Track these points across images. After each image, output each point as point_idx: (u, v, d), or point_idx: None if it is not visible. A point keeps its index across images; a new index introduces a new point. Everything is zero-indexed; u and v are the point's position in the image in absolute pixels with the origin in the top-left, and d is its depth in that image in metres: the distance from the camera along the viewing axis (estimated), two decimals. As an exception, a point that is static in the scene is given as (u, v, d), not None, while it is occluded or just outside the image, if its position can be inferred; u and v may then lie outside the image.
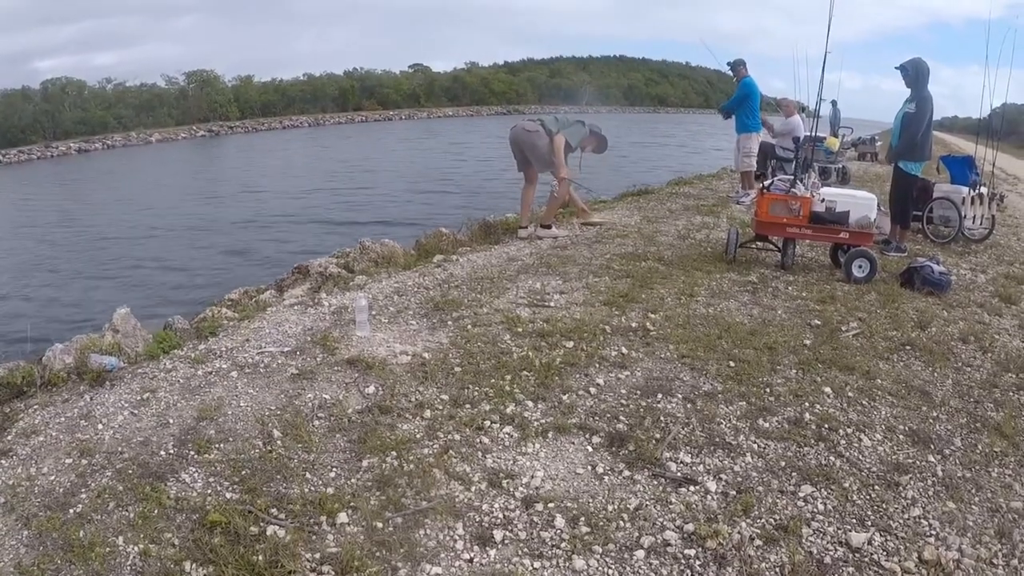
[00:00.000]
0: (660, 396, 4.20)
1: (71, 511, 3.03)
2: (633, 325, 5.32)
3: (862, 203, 6.92)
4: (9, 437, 3.66)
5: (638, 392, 4.25)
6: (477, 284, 6.32)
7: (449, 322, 5.35)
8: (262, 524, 2.95)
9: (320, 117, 74.09)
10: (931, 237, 9.44)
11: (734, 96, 11.87)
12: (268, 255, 14.23)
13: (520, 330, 5.16)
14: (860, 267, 6.85)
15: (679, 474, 3.41)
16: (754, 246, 7.45)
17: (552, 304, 5.76)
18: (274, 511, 3.04)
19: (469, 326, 5.23)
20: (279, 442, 3.60)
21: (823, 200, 6.88)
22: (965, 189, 9.44)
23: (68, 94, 65.23)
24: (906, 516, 3.19)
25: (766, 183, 7.19)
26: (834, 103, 24.26)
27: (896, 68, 8.17)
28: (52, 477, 3.28)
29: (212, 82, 77.65)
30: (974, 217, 9.48)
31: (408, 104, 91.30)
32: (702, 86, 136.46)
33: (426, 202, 19.59)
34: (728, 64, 11.97)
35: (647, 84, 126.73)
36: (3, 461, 3.43)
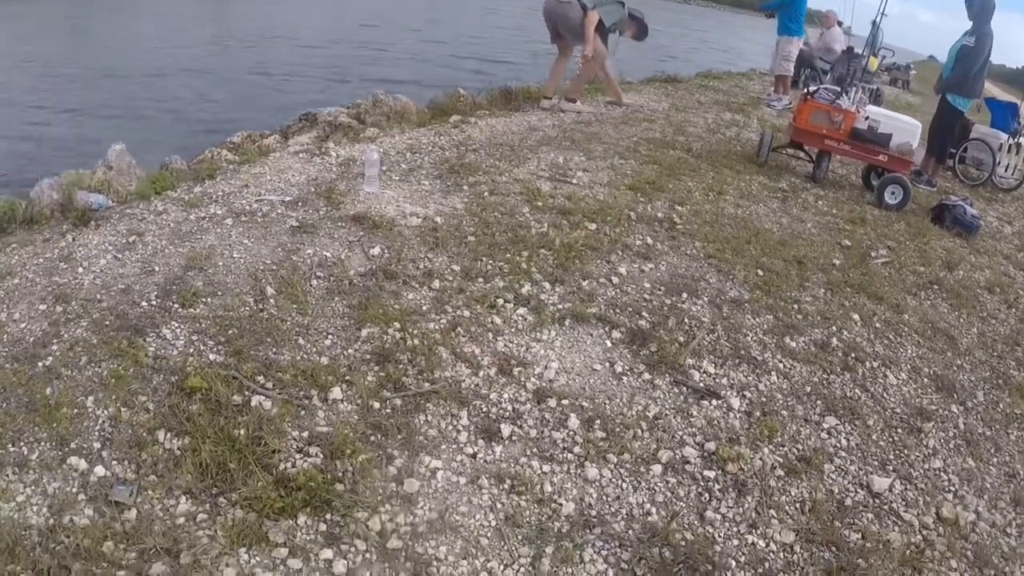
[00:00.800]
0: (685, 296, 3.95)
1: (40, 364, 2.70)
2: (659, 215, 5.02)
3: (906, 128, 6.53)
4: (-22, 279, 3.29)
5: (662, 288, 3.99)
6: (496, 150, 5.93)
7: (464, 187, 5.00)
8: (247, 393, 2.68)
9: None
10: (960, 177, 9.11)
11: (780, 1, 11.14)
12: (275, 102, 13.40)
13: (540, 204, 4.83)
14: (893, 194, 6.53)
15: (702, 385, 3.19)
16: (786, 152, 7.08)
17: (575, 181, 5.42)
18: (261, 379, 2.77)
19: (486, 193, 4.90)
20: (272, 300, 3.30)
21: (867, 118, 6.48)
22: (1004, 135, 9.04)
23: None
24: (927, 467, 3.05)
25: (811, 88, 6.75)
26: (874, 23, 23.42)
27: None
28: (23, 324, 2.93)
29: None
30: (1007, 166, 9.12)
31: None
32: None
33: (446, 64, 18.56)
34: None
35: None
36: (-29, 303, 3.08)
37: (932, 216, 6.65)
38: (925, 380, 3.70)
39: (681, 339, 3.50)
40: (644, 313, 3.68)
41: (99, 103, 12.74)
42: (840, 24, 15.74)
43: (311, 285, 3.48)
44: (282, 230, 3.99)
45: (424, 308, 3.42)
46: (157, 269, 3.43)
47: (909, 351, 3.97)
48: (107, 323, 2.97)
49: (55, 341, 2.84)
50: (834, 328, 3.96)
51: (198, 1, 31.84)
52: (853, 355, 3.72)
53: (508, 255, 4.02)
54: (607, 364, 3.23)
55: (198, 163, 5.92)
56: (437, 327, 3.28)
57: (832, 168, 7.11)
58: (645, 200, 5.27)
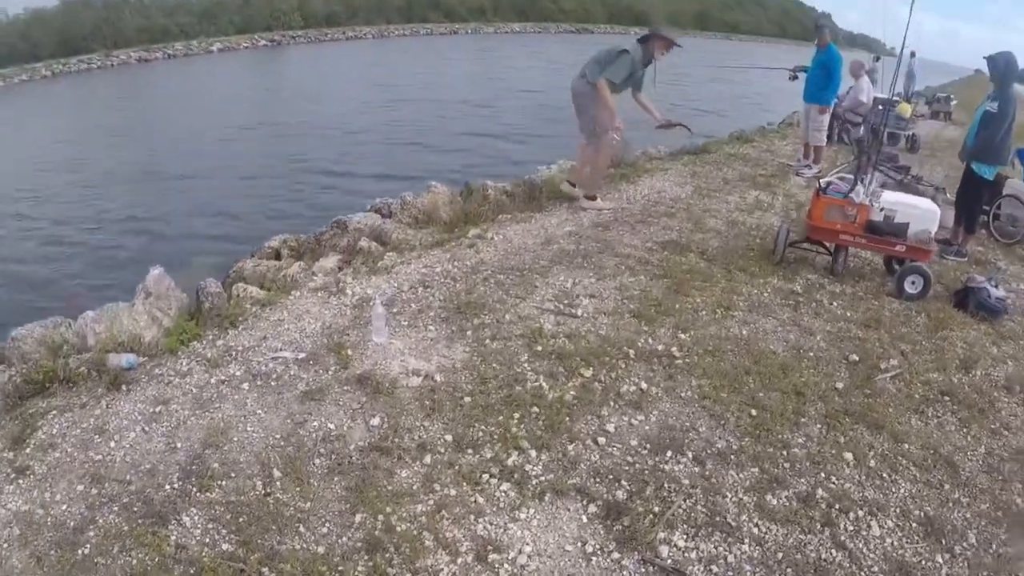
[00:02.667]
0: (670, 453, 4.05)
1: (79, 552, 3.14)
2: (659, 348, 5.14)
3: (923, 215, 6.49)
4: (28, 450, 3.78)
5: (648, 446, 4.11)
6: (506, 276, 6.15)
7: (468, 332, 5.21)
8: (253, 584, 2.97)
9: (384, 29, 72.24)
10: (996, 235, 8.97)
11: (818, 64, 10.92)
12: (311, 197, 14.06)
13: (540, 348, 5.01)
14: (913, 283, 6.50)
15: (669, 562, 3.30)
16: (804, 247, 7.10)
17: (579, 313, 5.58)
18: (265, 571, 3.08)
19: (488, 340, 5.11)
20: (278, 483, 3.61)
21: (882, 209, 6.48)
22: (1039, 190, 8.90)
23: (129, 2, 64.09)
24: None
25: (823, 183, 6.79)
26: (913, 54, 23.05)
27: (984, 58, 7.61)
28: (64, 507, 3.40)
29: (275, -11, 76.00)
30: (1044, 220, 8.98)
31: (474, 17, 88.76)
32: (777, 14, 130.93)
33: (472, 144, 18.79)
34: (816, 23, 11.35)
35: (720, 9, 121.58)
36: (21, 481, 3.56)
37: (955, 300, 6.59)
38: (914, 524, 3.71)
39: (656, 509, 3.60)
40: (623, 481, 3.80)
41: (135, 200, 13.37)
42: (869, 73, 15.68)
43: (314, 464, 3.78)
44: (293, 396, 4.32)
45: (415, 488, 3.64)
46: (179, 446, 3.84)
47: (902, 490, 3.97)
48: (135, 509, 3.40)
49: (91, 527, 3.29)
50: (822, 475, 4.00)
51: (239, 74, 33.23)
52: (838, 506, 3.76)
53: (500, 418, 4.22)
54: (579, 544, 3.37)
55: (230, 283, 6.50)
56: (425, 509, 3.50)
57: (853, 253, 7.11)
58: (648, 329, 5.39)
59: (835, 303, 6.24)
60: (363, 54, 50.28)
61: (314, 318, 5.34)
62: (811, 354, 5.31)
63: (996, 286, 6.53)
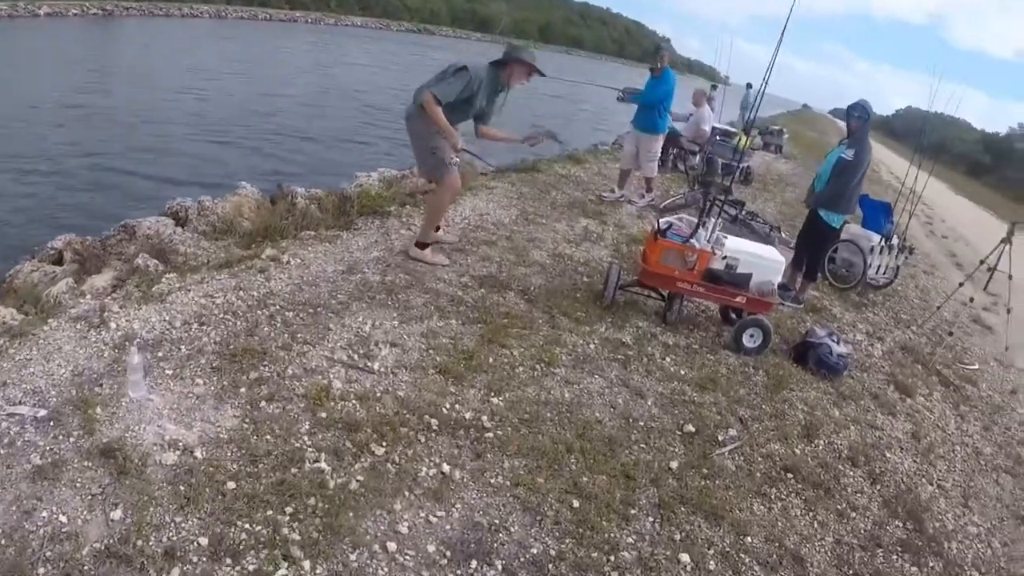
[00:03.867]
0: (475, 564, 3.18)
1: None
2: (467, 416, 4.25)
3: (768, 266, 5.98)
4: None
5: (448, 554, 3.21)
6: (297, 314, 5.08)
7: (243, 389, 4.12)
8: None
9: (223, 9, 68.88)
10: (829, 280, 8.77)
11: (653, 90, 10.07)
12: (111, 190, 12.42)
13: (325, 415, 4.00)
14: (752, 337, 6.00)
15: None
16: (635, 291, 6.45)
17: (376, 366, 4.61)
18: None
19: (264, 400, 4.04)
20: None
21: (724, 257, 5.91)
22: (876, 236, 8.75)
23: None
24: None
25: (662, 223, 6.15)
26: (749, 85, 23.69)
27: (848, 107, 7.26)
28: None
29: (111, -46, 71.80)
30: (879, 266, 8.86)
31: (317, 6, 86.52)
32: (619, 34, 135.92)
33: (292, 145, 17.37)
34: (656, 47, 10.70)
35: (564, 24, 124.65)
36: None
37: (794, 355, 6.16)
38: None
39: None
40: (412, 613, 2.88)
41: None
42: (710, 101, 15.56)
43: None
44: (23, 473, 3.17)
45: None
46: None
47: (746, 601, 3.29)
48: None
49: None
50: (655, 587, 3.25)
51: (66, 43, 30.18)
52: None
53: (270, 512, 3.18)
54: None
55: None
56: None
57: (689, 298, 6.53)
58: (456, 390, 4.51)
59: (668, 358, 5.61)
60: (195, 34, 47.21)
61: (66, 359, 4.11)
62: (642, 423, 4.61)
63: (837, 342, 6.15)
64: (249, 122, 19.10)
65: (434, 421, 4.13)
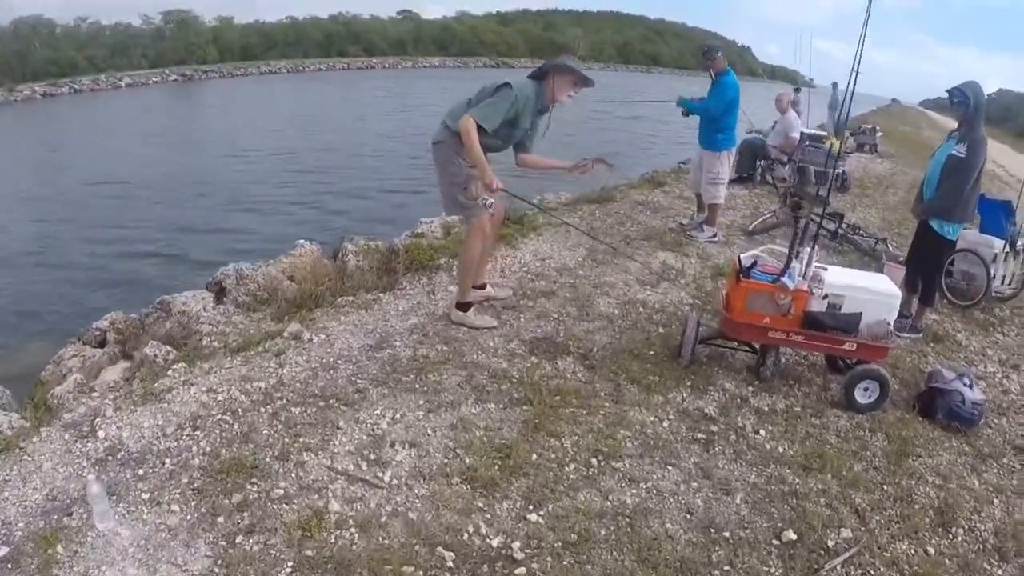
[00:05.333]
0: None
1: None
2: (495, 543, 3.30)
3: (880, 302, 4.80)
4: None
5: None
6: (304, 409, 4.26)
7: (221, 518, 3.33)
8: None
9: (300, 63, 70.85)
10: (948, 296, 7.43)
11: (712, 98, 8.47)
12: (182, 254, 12.14)
13: (312, 552, 3.15)
14: (867, 391, 4.84)
15: None
16: (720, 344, 5.38)
17: (387, 477, 3.71)
18: None
19: (243, 534, 3.24)
20: None
21: (826, 296, 4.78)
22: (998, 242, 7.39)
23: (39, 33, 62.58)
24: None
25: (744, 260, 5.05)
26: (835, 85, 22.12)
27: (947, 92, 6.03)
28: None
29: (190, 22, 75.26)
30: (1004, 276, 7.50)
31: (395, 52, 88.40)
32: (698, 47, 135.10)
33: (363, 196, 16.83)
34: (703, 49, 8.73)
35: (642, 42, 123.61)
36: None
37: (919, 407, 4.99)
38: None
39: None
40: None
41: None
42: (795, 105, 14.27)
43: None
44: None
45: None
46: None
47: None
48: None
49: None
50: None
51: (140, 112, 30.78)
52: None
53: None
54: None
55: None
56: None
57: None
58: (484, 503, 3.56)
59: (762, 430, 4.50)
60: (275, 91, 48.34)
61: (43, 480, 3.52)
62: (727, 534, 3.55)
63: (971, 386, 4.94)
64: (316, 176, 18.78)
65: (449, 555, 3.20)
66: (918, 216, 6.37)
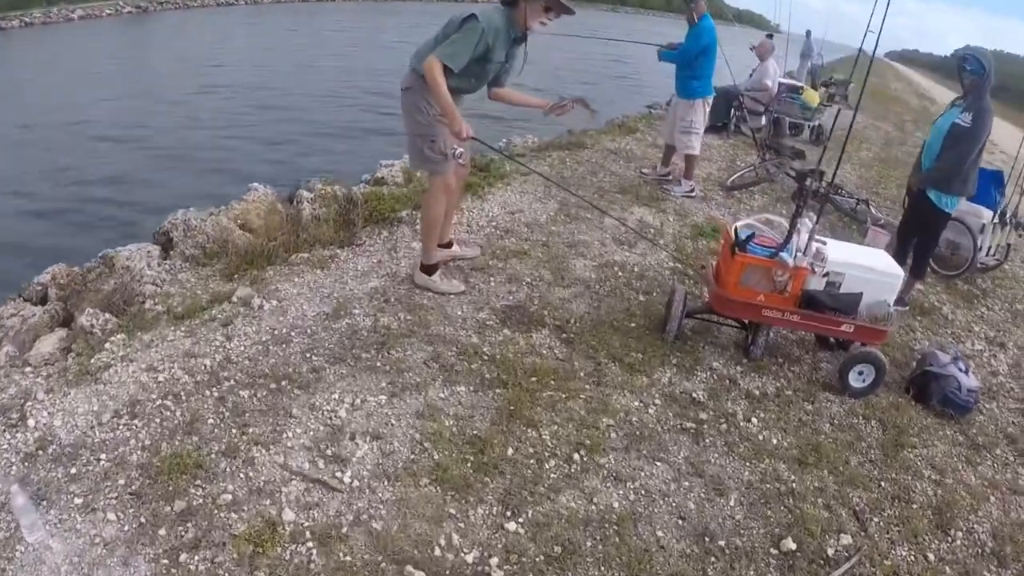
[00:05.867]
0: None
1: None
2: (469, 559, 2.95)
3: (882, 281, 4.48)
4: None
5: None
6: (254, 392, 3.83)
7: (163, 530, 2.92)
8: None
9: (259, -6, 68.29)
10: (934, 266, 7.16)
11: (687, 43, 7.97)
12: (132, 199, 11.44)
13: (264, 573, 2.77)
14: (861, 375, 4.55)
15: None
16: (705, 317, 5.03)
17: (348, 476, 3.33)
18: None
19: (187, 550, 2.84)
20: None
21: (826, 273, 4.43)
22: (987, 211, 7.10)
23: None
24: None
25: (739, 232, 4.65)
26: (808, 33, 21.65)
27: (958, 59, 5.63)
28: None
29: (146, -51, 72.27)
30: (989, 248, 7.24)
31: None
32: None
33: (320, 136, 15.97)
34: None
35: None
36: None
37: (913, 391, 4.73)
38: None
39: None
40: None
41: None
42: (773, 50, 13.86)
43: None
44: None
45: None
46: None
47: None
48: None
49: None
50: None
51: (90, 49, 29.40)
52: None
53: None
54: None
55: None
56: None
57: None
58: (457, 509, 3.20)
59: (754, 417, 4.19)
60: (232, 23, 46.59)
61: None
62: (722, 542, 3.24)
63: (966, 371, 4.68)
64: (273, 116, 17.91)
65: (419, 574, 2.83)
66: (916, 186, 6.01)
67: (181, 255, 5.97)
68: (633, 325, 5.02)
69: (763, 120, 12.04)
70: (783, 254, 4.40)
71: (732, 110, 12.44)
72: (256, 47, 33.81)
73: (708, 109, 8.29)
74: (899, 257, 6.03)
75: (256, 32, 41.81)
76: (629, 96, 21.22)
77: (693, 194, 8.32)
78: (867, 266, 4.48)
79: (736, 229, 4.59)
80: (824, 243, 4.56)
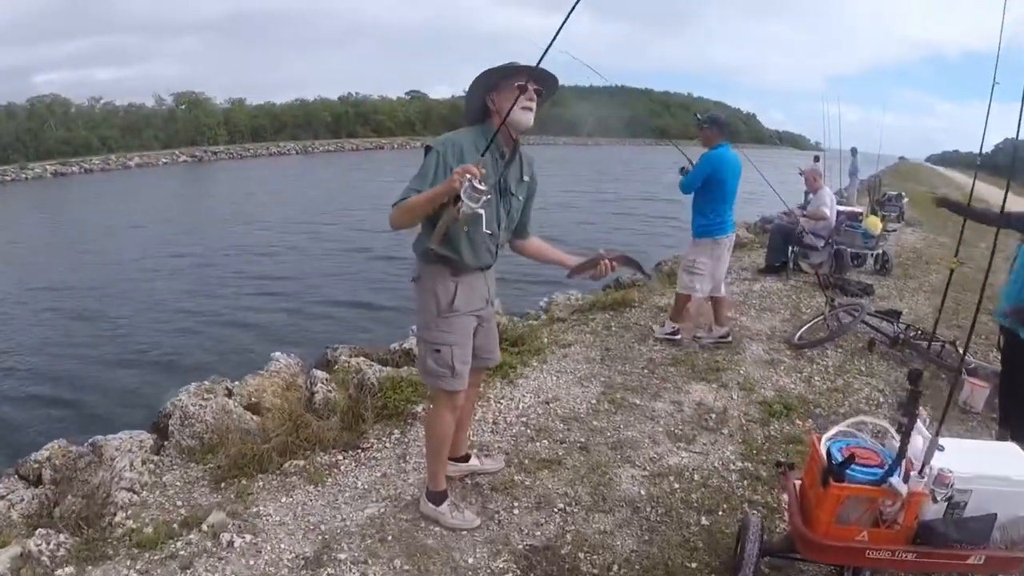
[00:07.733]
0: None
1: None
2: None
3: (1021, 493, 3.25)
4: None
5: None
6: None
7: None
8: None
9: (309, 144, 71.24)
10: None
11: (689, 174, 7.13)
12: (154, 367, 10.79)
13: None
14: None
15: None
16: (790, 556, 3.80)
17: None
18: None
19: None
20: None
21: (950, 497, 3.23)
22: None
23: (54, 112, 64.01)
24: None
25: (835, 448, 3.45)
26: (854, 151, 20.73)
27: None
28: None
29: (202, 104, 76.67)
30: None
31: (403, 132, 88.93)
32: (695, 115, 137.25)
33: (357, 299, 15.27)
34: (697, 119, 7.15)
35: (649, 115, 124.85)
36: None
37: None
38: None
39: None
40: None
41: None
42: (817, 160, 12.89)
43: None
44: None
45: None
46: None
47: None
48: None
49: None
50: None
51: (145, 194, 29.93)
52: None
53: None
54: None
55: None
56: None
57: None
58: None
59: None
60: (284, 173, 48.13)
61: None
62: None
63: None
64: (304, 277, 17.33)
65: None
66: (1004, 324, 4.85)
67: (176, 446, 5.38)
68: (694, 566, 3.86)
69: (824, 255, 10.97)
70: (893, 479, 3.22)
71: (790, 248, 11.43)
72: (305, 196, 34.38)
73: (721, 252, 7.23)
74: (1003, 420, 4.84)
75: (306, 182, 42.77)
76: (680, 233, 20.25)
77: (676, 337, 7.42)
78: (999, 476, 3.25)
79: (829, 447, 3.43)
80: (941, 449, 3.36)
